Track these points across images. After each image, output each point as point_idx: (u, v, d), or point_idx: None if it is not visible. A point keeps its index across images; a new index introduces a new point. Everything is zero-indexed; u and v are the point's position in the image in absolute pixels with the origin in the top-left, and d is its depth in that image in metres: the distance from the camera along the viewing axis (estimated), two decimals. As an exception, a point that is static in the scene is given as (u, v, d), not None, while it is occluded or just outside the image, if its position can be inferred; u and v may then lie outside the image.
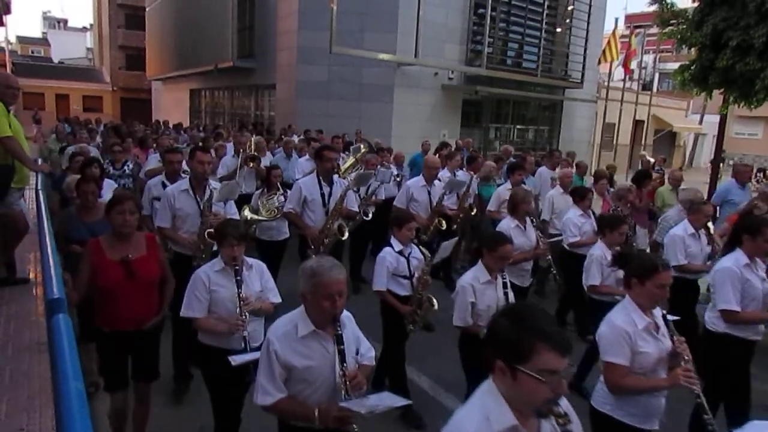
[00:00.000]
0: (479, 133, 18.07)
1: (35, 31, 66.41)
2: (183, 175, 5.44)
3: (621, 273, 4.46)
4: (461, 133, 16.40)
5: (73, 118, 18.72)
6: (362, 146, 8.55)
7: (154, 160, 7.71)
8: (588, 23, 19.21)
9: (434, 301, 4.30)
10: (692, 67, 14.28)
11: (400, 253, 4.44)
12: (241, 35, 19.30)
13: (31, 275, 5.00)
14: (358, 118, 14.94)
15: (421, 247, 4.63)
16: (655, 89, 29.71)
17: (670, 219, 6.41)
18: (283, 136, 12.26)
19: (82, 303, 3.60)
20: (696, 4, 14.09)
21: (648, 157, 14.18)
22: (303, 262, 2.59)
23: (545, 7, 18.03)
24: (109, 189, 5.45)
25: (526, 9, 17.76)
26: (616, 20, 21.00)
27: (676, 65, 17.22)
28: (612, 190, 7.74)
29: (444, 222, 6.70)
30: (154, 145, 9.48)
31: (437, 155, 10.10)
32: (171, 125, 17.87)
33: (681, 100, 31.33)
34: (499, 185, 7.79)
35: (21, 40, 53.07)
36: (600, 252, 4.76)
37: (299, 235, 5.79)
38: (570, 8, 19.21)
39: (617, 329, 2.83)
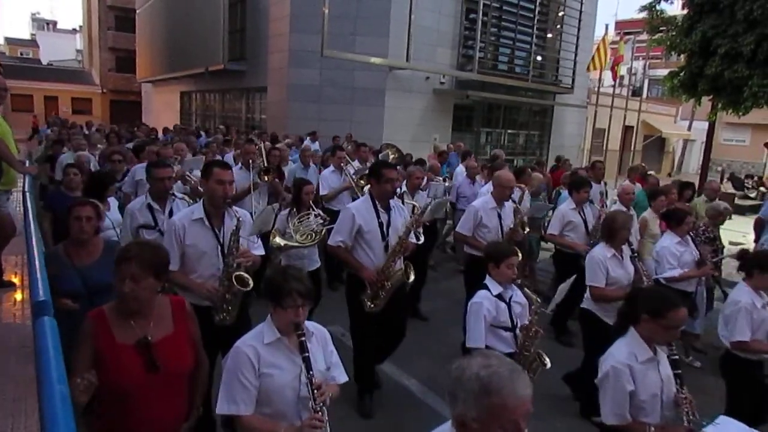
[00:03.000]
0: (470, 138, 18.12)
1: (24, 32, 65.90)
2: (175, 195, 4.53)
3: None
4: (452, 138, 16.43)
5: (59, 119, 16.89)
6: (390, 153, 7.72)
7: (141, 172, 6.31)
8: (578, 29, 19.36)
9: (546, 359, 3.53)
10: (681, 74, 14.44)
11: (500, 297, 3.58)
12: (232, 38, 19.25)
13: (17, 278, 4.94)
14: (349, 121, 14.95)
15: (526, 289, 3.72)
16: (644, 95, 29.94)
17: None
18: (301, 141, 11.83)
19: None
20: (685, 12, 14.25)
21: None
22: (458, 362, 1.65)
23: (536, 12, 18.15)
24: (115, 208, 4.89)
25: (517, 14, 17.87)
26: (607, 26, 21.20)
27: (665, 72, 17.41)
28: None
29: (520, 252, 5.59)
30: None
31: (465, 164, 9.07)
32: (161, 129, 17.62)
33: (670, 106, 31.60)
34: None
35: (9, 41, 52.75)
36: (749, 299, 3.82)
37: (348, 276, 4.56)
38: (561, 14, 19.36)
39: None
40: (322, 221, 5.13)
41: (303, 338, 2.38)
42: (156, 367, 2.30)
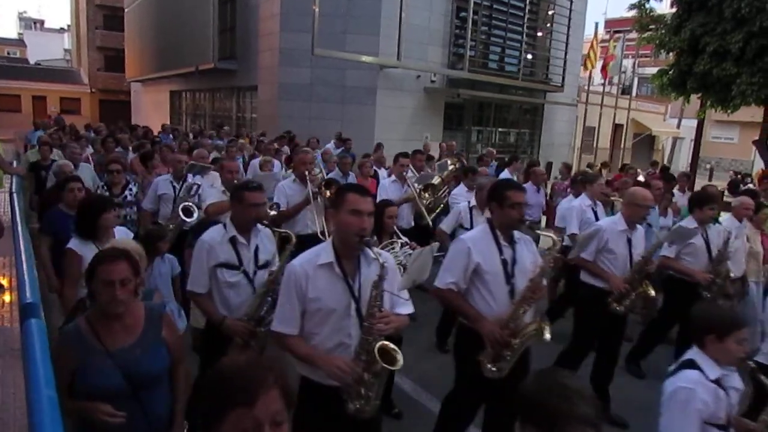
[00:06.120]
0: (461, 136, 18.17)
1: (11, 31, 65.22)
2: (263, 225, 3.59)
3: None
4: (443, 136, 16.46)
5: (46, 122, 14.73)
6: (449, 162, 6.95)
7: (164, 185, 5.61)
8: (568, 28, 19.43)
9: None
10: (670, 72, 14.56)
11: (718, 383, 2.44)
12: (222, 37, 19.15)
13: (5, 280, 4.88)
14: (340, 120, 14.91)
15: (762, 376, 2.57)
16: (634, 93, 30.12)
17: None
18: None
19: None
20: (674, 10, 14.35)
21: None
22: None
23: (526, 11, 18.19)
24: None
25: (507, 13, 17.91)
26: (596, 25, 21.29)
27: (654, 70, 17.56)
28: None
29: (651, 287, 4.47)
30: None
31: (501, 169, 8.43)
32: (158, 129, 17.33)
33: (659, 104, 31.81)
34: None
35: (-4, 40, 52.19)
36: None
37: (460, 328, 3.53)
38: (551, 12, 19.42)
39: None
40: (411, 250, 4.22)
41: None
42: None
